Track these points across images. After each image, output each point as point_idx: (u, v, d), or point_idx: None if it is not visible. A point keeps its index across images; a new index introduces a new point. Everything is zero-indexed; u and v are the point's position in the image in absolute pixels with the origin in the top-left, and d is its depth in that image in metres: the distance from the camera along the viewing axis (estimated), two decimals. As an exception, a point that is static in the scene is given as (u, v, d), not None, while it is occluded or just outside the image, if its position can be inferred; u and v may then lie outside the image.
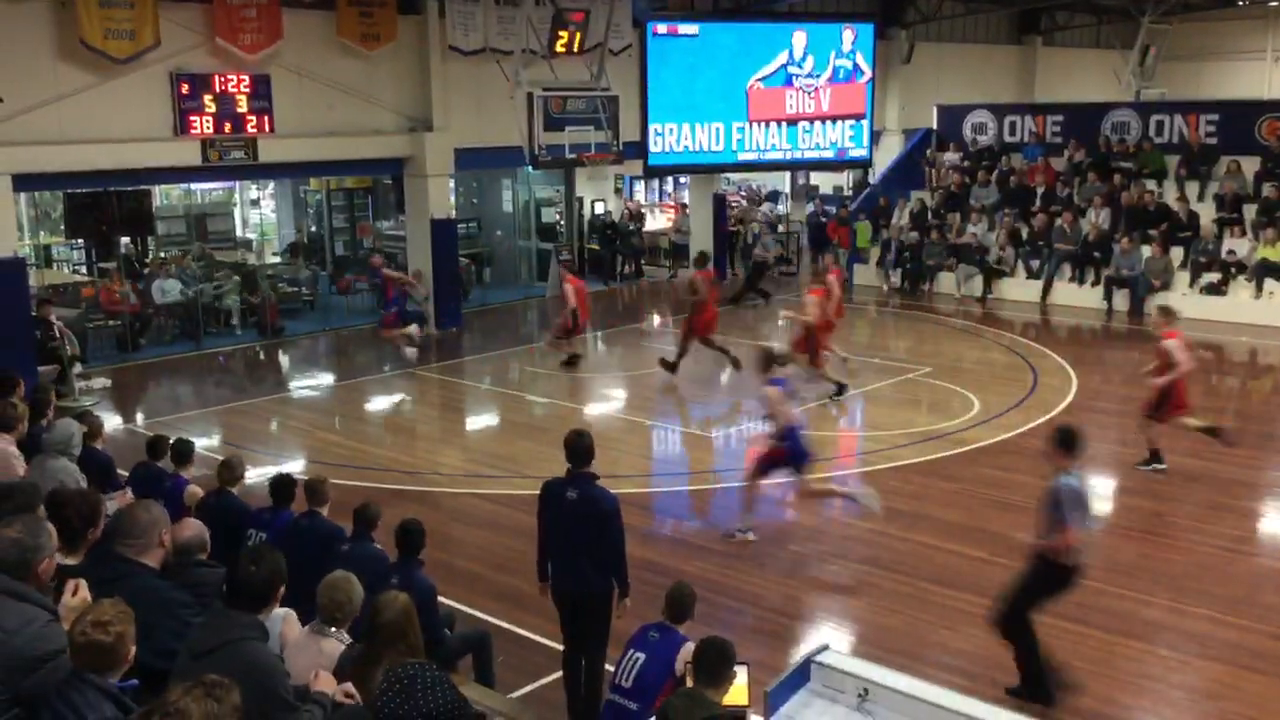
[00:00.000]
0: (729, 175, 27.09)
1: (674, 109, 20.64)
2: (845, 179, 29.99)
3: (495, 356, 16.86)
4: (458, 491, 10.89)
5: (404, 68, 18.46)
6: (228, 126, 16.39)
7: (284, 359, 16.63)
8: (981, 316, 19.46)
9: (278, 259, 22.94)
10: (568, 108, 16.87)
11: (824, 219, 23.92)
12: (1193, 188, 20.61)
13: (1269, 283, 18.31)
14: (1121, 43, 26.69)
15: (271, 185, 24.04)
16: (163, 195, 21.56)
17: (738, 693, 4.56)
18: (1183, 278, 19.11)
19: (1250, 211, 19.46)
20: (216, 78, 16.27)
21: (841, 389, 13.95)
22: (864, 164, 24.49)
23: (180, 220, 21.86)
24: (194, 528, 5.26)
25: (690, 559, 9.15)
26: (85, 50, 14.98)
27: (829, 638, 7.17)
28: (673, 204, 27.32)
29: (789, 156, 22.15)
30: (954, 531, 9.68)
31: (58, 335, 14.36)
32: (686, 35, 20.64)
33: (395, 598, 4.51)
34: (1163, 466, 11.00)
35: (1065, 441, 6.75)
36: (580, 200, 24.34)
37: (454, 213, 20.58)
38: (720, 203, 24.19)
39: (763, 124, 21.37)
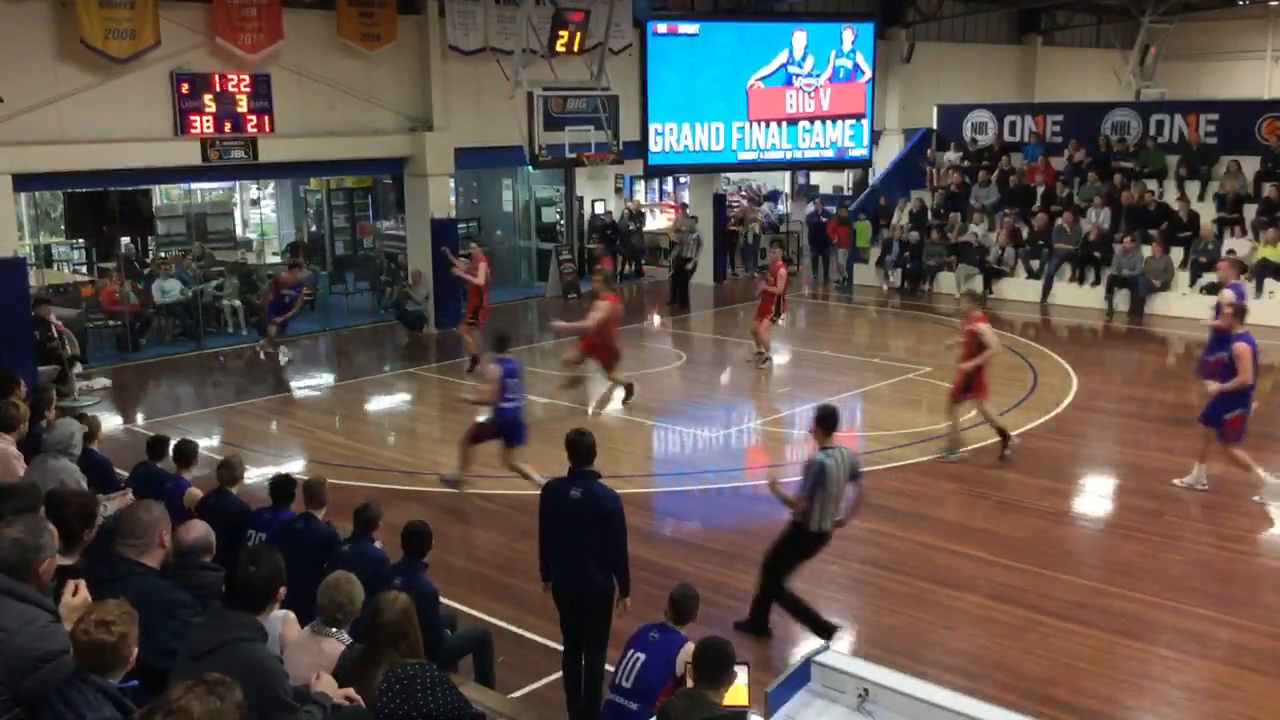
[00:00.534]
0: (729, 175, 27.08)
1: (674, 109, 20.64)
2: (845, 179, 29.99)
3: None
4: (458, 491, 10.88)
5: (404, 67, 18.46)
6: (228, 126, 16.39)
7: (284, 359, 16.62)
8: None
9: (278, 259, 22.93)
10: (568, 107, 16.87)
11: (824, 219, 23.90)
12: (1193, 188, 20.61)
13: (1269, 283, 18.31)
14: (1121, 42, 26.73)
15: (271, 185, 24.03)
16: (163, 195, 21.55)
17: (738, 693, 4.56)
18: (1183, 278, 19.11)
19: (1250, 211, 19.46)
20: (217, 77, 16.27)
21: (629, 391, 13.77)
22: (864, 164, 24.51)
23: (180, 220, 21.84)
24: (200, 529, 5.26)
25: (690, 559, 9.15)
26: (85, 50, 14.98)
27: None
28: (673, 204, 27.31)
29: (789, 156, 22.15)
30: (954, 531, 9.68)
31: (56, 335, 14.36)
32: (686, 35, 20.65)
33: (396, 598, 4.51)
34: (1009, 448, 11.39)
35: (823, 421, 7.46)
36: (580, 200, 24.34)
37: (454, 212, 20.58)
38: (720, 203, 24.18)
39: (763, 124, 21.37)
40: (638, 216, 24.93)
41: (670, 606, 5.57)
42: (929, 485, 10.87)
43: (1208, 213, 19.81)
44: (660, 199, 28.80)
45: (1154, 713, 6.96)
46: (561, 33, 16.14)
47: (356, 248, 22.74)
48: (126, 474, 8.46)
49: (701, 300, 21.72)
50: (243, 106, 16.50)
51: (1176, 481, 10.70)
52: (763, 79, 21.22)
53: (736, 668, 4.50)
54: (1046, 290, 20.24)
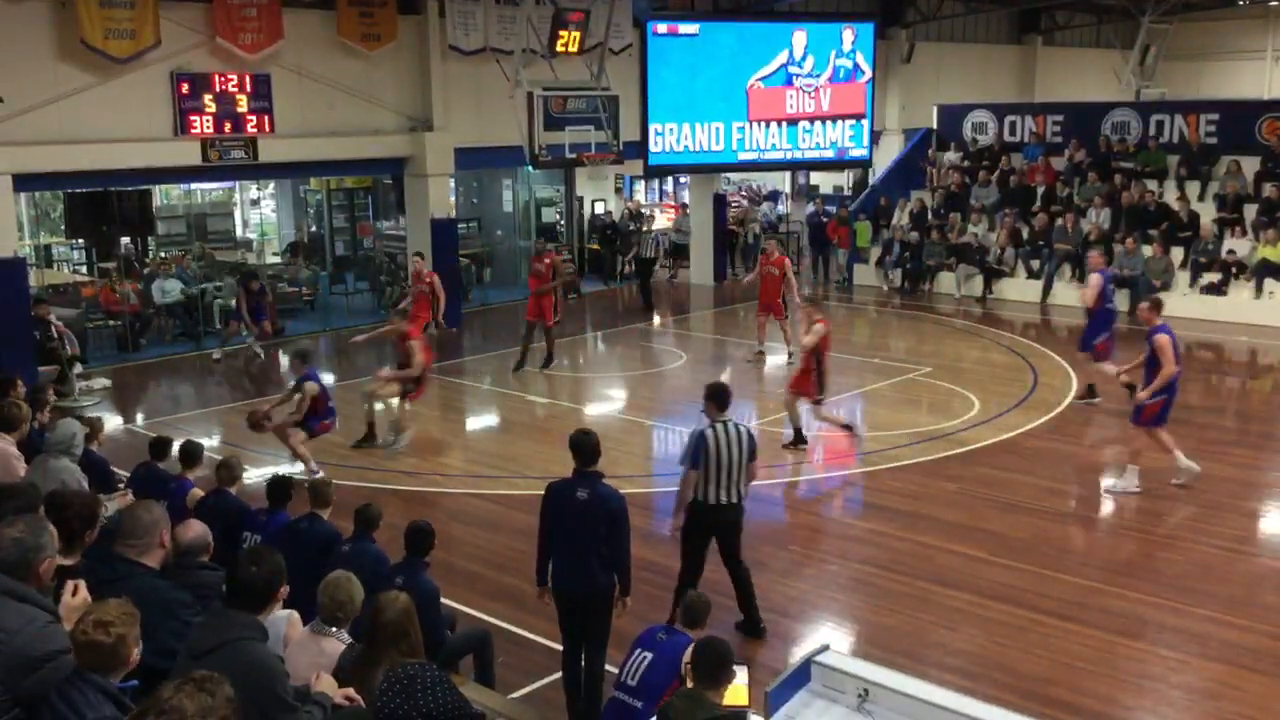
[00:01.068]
0: (729, 175, 27.07)
1: (674, 109, 20.63)
2: (845, 179, 29.97)
3: (495, 356, 16.84)
4: (458, 491, 10.89)
5: (404, 67, 18.46)
6: (228, 126, 16.40)
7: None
8: (981, 316, 19.46)
9: (278, 259, 22.95)
10: (568, 107, 16.87)
11: (824, 219, 23.90)
12: (1193, 188, 20.61)
13: (1269, 283, 18.31)
14: (1121, 43, 26.72)
15: (271, 185, 24.04)
16: (163, 195, 21.56)
17: (738, 693, 4.56)
18: (1183, 278, 19.11)
19: (1250, 211, 19.46)
20: (217, 77, 16.28)
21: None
22: (864, 164, 24.49)
23: (180, 220, 21.86)
24: (197, 529, 5.27)
25: (690, 559, 9.14)
26: (85, 50, 14.98)
27: (829, 638, 7.18)
28: (673, 204, 27.31)
29: (789, 156, 22.14)
30: (954, 531, 9.68)
31: (56, 335, 14.36)
32: (687, 35, 20.64)
33: (396, 598, 4.51)
34: (860, 436, 11.90)
35: (713, 397, 7.64)
36: (580, 200, 24.34)
37: (454, 212, 20.58)
38: (720, 203, 24.19)
39: (763, 124, 21.36)
40: (638, 216, 24.92)
41: (682, 611, 5.61)
42: (929, 485, 10.87)
43: (1208, 213, 19.81)
44: (660, 199, 28.80)
45: (1154, 713, 6.96)
46: (561, 33, 16.14)
47: (356, 248, 22.74)
48: (126, 474, 8.46)
49: (702, 300, 21.72)
50: (243, 106, 16.51)
51: (1175, 481, 10.70)
52: (763, 79, 21.21)
53: (736, 668, 4.50)
54: (1046, 290, 20.23)
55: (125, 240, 19.48)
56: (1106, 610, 8.11)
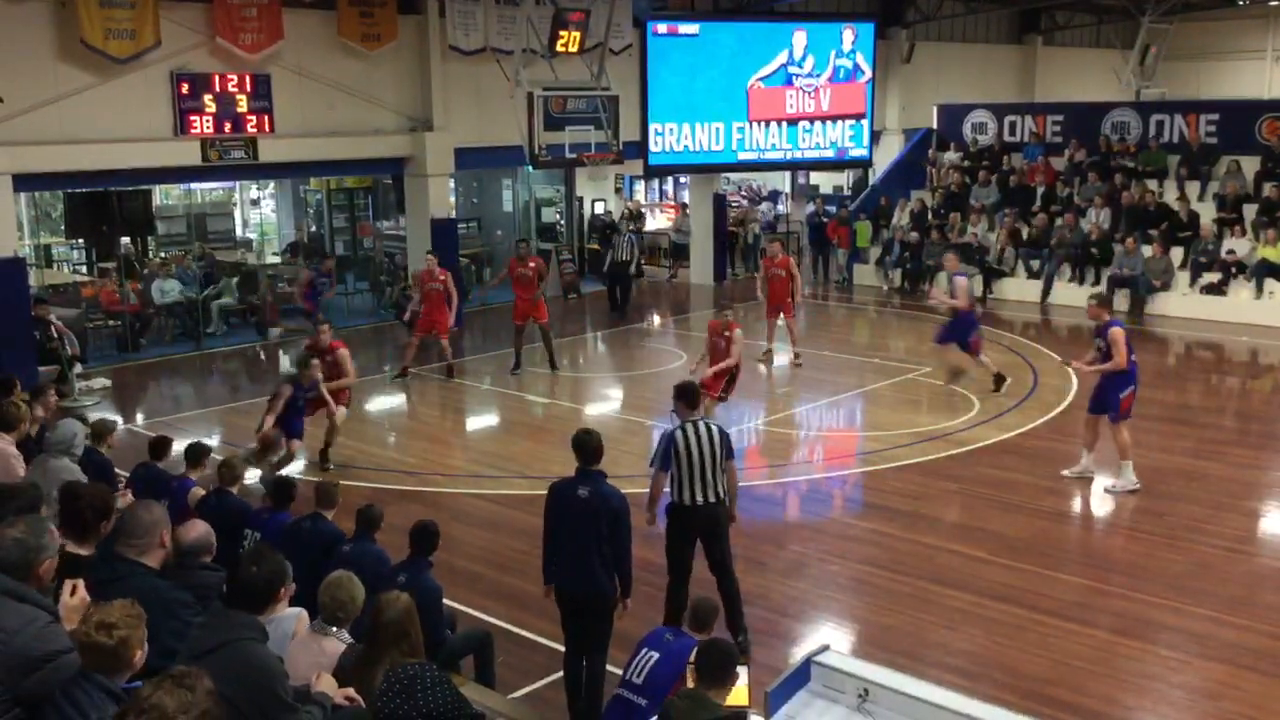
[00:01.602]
0: (729, 175, 27.07)
1: (674, 109, 20.62)
2: (845, 179, 29.97)
3: (495, 356, 16.85)
4: (458, 491, 10.90)
5: (404, 68, 18.46)
6: (228, 126, 16.40)
7: (284, 359, 16.62)
8: (981, 316, 19.42)
9: (278, 259, 22.94)
10: (568, 107, 16.87)
11: (824, 219, 23.90)
12: (1193, 188, 20.61)
13: (1269, 283, 18.30)
14: (1121, 43, 26.72)
15: (271, 185, 24.03)
16: (163, 195, 21.55)
17: (738, 693, 4.56)
18: (1183, 278, 19.11)
19: (1250, 211, 19.45)
20: (217, 77, 16.28)
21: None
22: (864, 164, 24.47)
23: (180, 220, 21.86)
24: (200, 529, 5.26)
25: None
26: (85, 50, 14.98)
27: (829, 638, 7.18)
28: (673, 204, 27.30)
29: (789, 156, 22.13)
30: (954, 531, 9.68)
31: (56, 335, 14.35)
32: (687, 35, 20.63)
33: (397, 598, 4.51)
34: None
35: (682, 396, 7.82)
36: (580, 200, 24.33)
37: (454, 212, 20.57)
38: (720, 202, 24.19)
39: (763, 124, 21.35)
40: (636, 216, 24.92)
41: (690, 614, 5.63)
42: (929, 485, 10.87)
43: (1208, 213, 19.81)
44: (660, 199, 28.79)
45: (1154, 713, 6.96)
46: (561, 33, 16.14)
47: (356, 248, 22.73)
48: (126, 474, 8.46)
49: (702, 300, 21.72)
50: (243, 106, 16.51)
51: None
52: (763, 79, 21.20)
53: (737, 668, 4.50)
54: (1046, 290, 20.23)
55: (125, 240, 19.49)
56: (1106, 610, 8.11)
